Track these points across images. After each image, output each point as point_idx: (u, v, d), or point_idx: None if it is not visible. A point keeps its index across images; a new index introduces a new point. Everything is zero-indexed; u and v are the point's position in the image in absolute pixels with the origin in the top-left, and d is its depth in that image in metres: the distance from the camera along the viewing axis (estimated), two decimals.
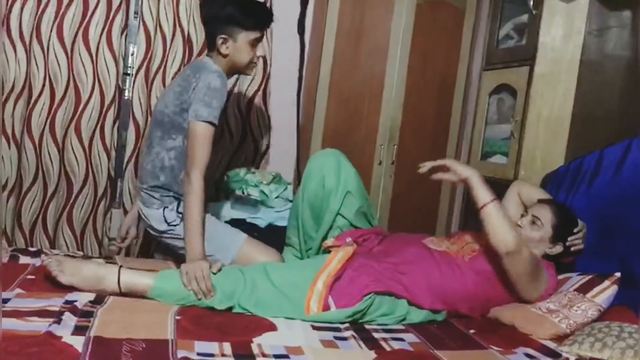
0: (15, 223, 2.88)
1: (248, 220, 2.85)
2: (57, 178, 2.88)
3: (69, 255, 2.20)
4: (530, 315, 1.95)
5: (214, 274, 1.85)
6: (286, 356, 1.50)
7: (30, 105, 2.83)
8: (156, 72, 2.96)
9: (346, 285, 1.89)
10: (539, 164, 2.68)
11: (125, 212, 2.89)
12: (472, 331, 1.91)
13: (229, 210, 2.89)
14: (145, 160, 2.21)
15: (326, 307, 1.84)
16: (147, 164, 2.20)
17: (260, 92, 3.16)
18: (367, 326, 1.86)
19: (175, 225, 2.15)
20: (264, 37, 2.34)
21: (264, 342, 1.57)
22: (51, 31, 2.81)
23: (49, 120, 2.85)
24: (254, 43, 2.22)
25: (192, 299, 1.80)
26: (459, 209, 3.43)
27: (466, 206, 3.15)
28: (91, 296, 1.74)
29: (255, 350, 1.51)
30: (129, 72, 3.02)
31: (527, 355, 1.72)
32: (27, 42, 2.77)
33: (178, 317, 1.68)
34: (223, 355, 1.45)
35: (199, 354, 1.44)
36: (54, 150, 2.86)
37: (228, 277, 1.84)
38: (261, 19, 2.24)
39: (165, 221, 2.15)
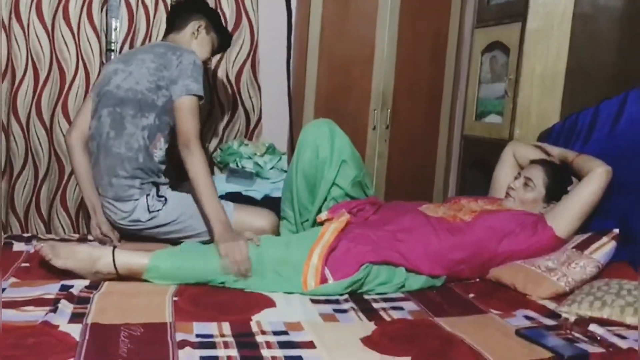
0: (8, 208, 2.86)
1: (244, 193, 2.83)
2: (48, 160, 2.85)
3: (63, 240, 2.20)
4: (530, 275, 1.95)
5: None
6: (285, 332, 1.49)
7: (15, 87, 2.77)
8: (142, 44, 2.88)
9: (342, 256, 1.88)
10: (534, 122, 2.65)
11: None
12: (471, 295, 1.91)
13: (223, 184, 2.86)
14: (115, 144, 2.10)
15: (323, 280, 1.83)
16: (118, 147, 2.09)
17: (249, 62, 3.09)
18: (366, 296, 1.85)
19: (158, 211, 2.12)
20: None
21: (263, 319, 1.56)
22: (30, 9, 2.73)
23: (34, 102, 2.79)
24: (215, 50, 2.42)
25: (189, 278, 1.79)
26: (455, 172, 3.41)
27: (462, 169, 3.13)
28: (87, 282, 1.72)
29: (254, 328, 1.50)
30: (112, 47, 2.96)
31: (527, 317, 1.72)
32: (7, 23, 2.70)
33: (175, 299, 1.67)
34: (222, 335, 1.45)
35: (198, 336, 1.43)
36: (42, 132, 2.81)
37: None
38: (227, 40, 2.49)
39: (148, 210, 2.11)
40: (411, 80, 3.36)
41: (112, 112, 2.12)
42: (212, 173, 3.07)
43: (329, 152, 2.10)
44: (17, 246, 2.04)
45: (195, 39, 2.29)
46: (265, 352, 1.36)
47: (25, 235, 2.23)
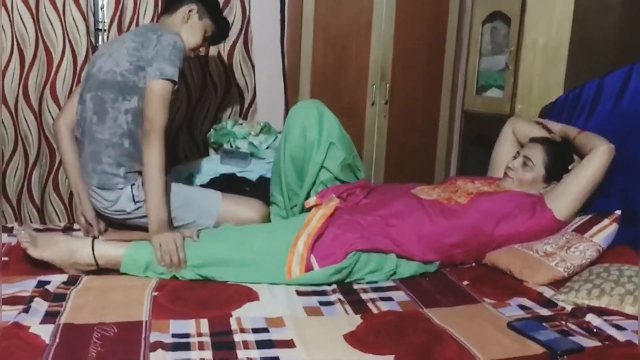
0: (0, 194, 2.81)
1: (238, 174, 2.76)
2: (38, 145, 2.79)
3: (48, 229, 2.15)
4: (527, 260, 1.87)
5: (195, 240, 1.78)
6: (265, 330, 1.43)
7: (1, 71, 2.70)
8: (129, 26, 2.80)
9: (329, 243, 1.81)
10: (536, 96, 2.55)
11: None
12: (465, 282, 1.84)
13: (218, 166, 2.79)
14: (98, 130, 2.02)
15: (309, 268, 1.77)
16: (101, 133, 2.01)
17: (241, 38, 2.99)
18: (355, 286, 1.79)
19: (143, 201, 2.05)
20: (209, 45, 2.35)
21: (243, 315, 1.51)
22: None
23: (21, 85, 2.73)
24: (207, 38, 2.22)
25: (164, 270, 1.73)
26: (457, 146, 3.31)
27: (463, 146, 3.03)
28: (65, 277, 1.67)
29: (233, 325, 1.45)
30: (100, 27, 2.87)
31: (521, 306, 1.65)
32: None
33: (155, 294, 1.61)
34: (199, 334, 1.39)
35: (173, 335, 1.38)
36: (31, 117, 2.75)
37: (205, 247, 1.76)
38: (224, 29, 2.33)
39: (133, 199, 2.04)
40: (411, 53, 3.25)
41: (94, 97, 2.04)
42: (207, 154, 3.01)
43: (316, 134, 2.02)
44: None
45: (185, 23, 2.14)
46: (241, 354, 1.30)
47: (9, 225, 2.17)
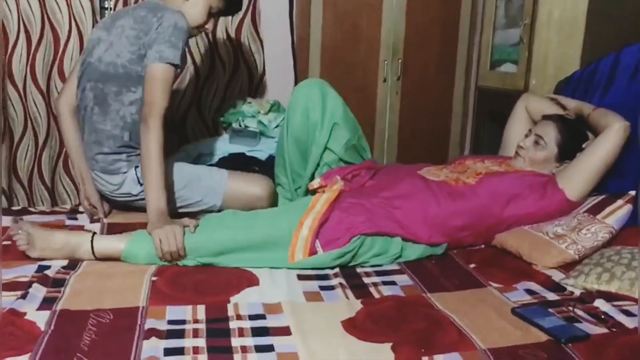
0: (12, 175, 2.83)
1: (247, 153, 2.73)
2: (47, 126, 2.78)
3: (54, 212, 2.15)
4: (537, 241, 1.82)
5: (192, 232, 1.74)
6: (262, 316, 1.41)
7: (9, 52, 2.69)
8: (135, 3, 2.76)
9: (333, 227, 1.77)
10: (552, 71, 2.46)
11: None
12: (472, 265, 1.80)
13: (227, 145, 2.77)
14: (100, 120, 1.98)
15: (313, 253, 1.74)
16: (103, 124, 1.98)
17: (249, 14, 2.94)
18: (359, 269, 1.75)
19: None
20: (218, 19, 2.22)
21: (241, 301, 1.48)
22: None
23: (29, 66, 2.72)
24: (213, 13, 2.08)
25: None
26: (472, 123, 3.22)
27: (477, 123, 2.96)
28: (65, 262, 1.66)
29: (230, 311, 1.42)
30: (106, 6, 2.84)
31: (528, 291, 1.61)
32: None
33: (154, 279, 1.59)
34: (195, 321, 1.37)
35: (169, 322, 1.36)
36: (39, 98, 2.74)
37: (207, 235, 1.73)
38: (234, 1, 2.17)
39: (139, 182, 2.01)
40: (424, 27, 3.18)
41: (94, 88, 1.99)
42: (216, 133, 2.98)
43: (320, 114, 1.97)
44: (3, 221, 1.98)
45: (187, 0, 2.02)
46: (235, 342, 1.28)
47: (14, 208, 2.18)
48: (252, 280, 1.62)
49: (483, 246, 1.97)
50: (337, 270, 1.73)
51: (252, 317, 1.40)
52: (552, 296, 1.57)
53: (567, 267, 1.74)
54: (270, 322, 1.39)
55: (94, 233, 1.71)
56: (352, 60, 3.14)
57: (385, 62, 3.16)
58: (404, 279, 1.69)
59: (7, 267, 1.60)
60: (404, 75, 3.19)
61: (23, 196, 2.86)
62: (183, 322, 1.37)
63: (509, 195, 1.92)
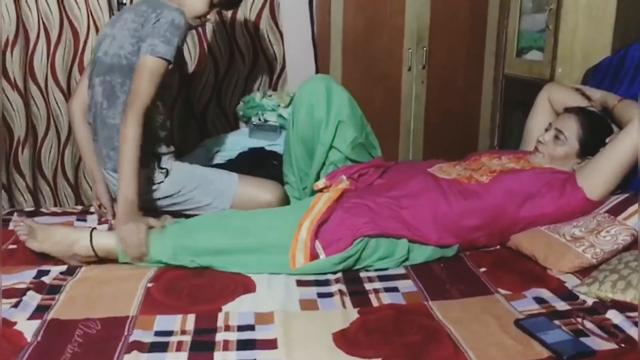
0: (37, 173, 2.87)
1: (267, 147, 2.70)
2: (68, 124, 2.81)
3: (65, 212, 2.17)
4: (552, 244, 1.72)
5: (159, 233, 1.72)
6: (251, 327, 1.37)
7: (30, 51, 2.72)
8: None
9: (335, 228, 1.71)
10: (579, 59, 2.32)
11: None
12: (482, 269, 1.71)
13: (246, 139, 2.75)
14: (110, 114, 1.99)
15: (314, 256, 1.68)
16: (113, 118, 1.98)
17: (267, 6, 2.88)
18: (362, 274, 1.69)
19: (160, 183, 2.01)
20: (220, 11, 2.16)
21: (233, 310, 1.45)
22: None
23: (49, 65, 2.74)
24: (215, 4, 2.04)
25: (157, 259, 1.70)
26: (499, 113, 3.08)
27: (504, 113, 2.82)
28: (64, 267, 1.67)
29: (220, 322, 1.39)
30: (124, 1, 2.83)
31: (537, 299, 1.51)
32: None
33: (150, 285, 1.58)
34: (183, 332, 1.35)
35: (156, 333, 1.34)
36: (60, 96, 2.77)
37: (204, 235, 1.70)
38: None
39: (150, 182, 2.00)
40: (450, 13, 3.05)
41: (103, 81, 2.00)
42: (237, 127, 2.96)
43: (324, 112, 1.91)
44: (16, 223, 2.00)
45: None
46: (217, 356, 1.25)
47: (27, 209, 2.21)
48: (249, 287, 1.59)
49: (498, 247, 1.88)
50: (339, 275, 1.67)
51: (240, 328, 1.37)
52: (561, 305, 1.47)
53: (584, 272, 1.64)
54: (259, 333, 1.35)
55: (94, 228, 1.71)
56: (375, 49, 3.06)
57: (410, 50, 3.06)
58: (407, 285, 1.62)
59: (8, 273, 1.61)
60: (429, 64, 3.08)
61: (49, 193, 2.91)
62: (170, 333, 1.34)
63: (525, 194, 1.81)
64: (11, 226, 1.94)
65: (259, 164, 2.59)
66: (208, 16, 2.05)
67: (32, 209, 2.21)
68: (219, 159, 2.67)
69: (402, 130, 3.16)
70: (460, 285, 1.61)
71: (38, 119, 2.81)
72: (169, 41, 1.84)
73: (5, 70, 2.70)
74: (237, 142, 2.73)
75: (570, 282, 1.61)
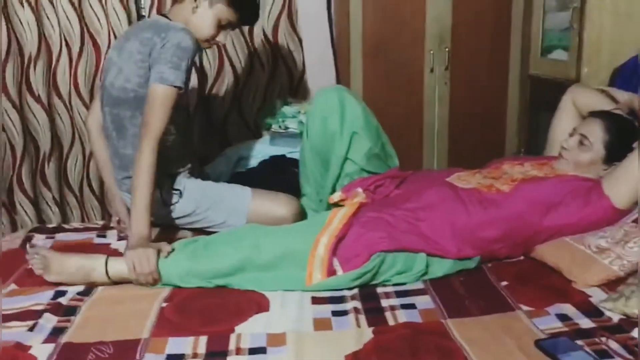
0: (64, 186, 2.91)
1: (288, 155, 2.67)
2: None
3: (87, 229, 2.18)
4: (577, 256, 1.65)
5: (165, 257, 1.70)
6: (263, 350, 1.35)
7: (53, 66, 2.76)
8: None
9: (352, 244, 1.68)
10: (606, 58, 2.24)
11: None
12: (504, 283, 1.66)
13: (267, 147, 2.73)
14: (120, 145, 1.98)
15: (331, 273, 1.66)
16: (124, 148, 1.97)
17: (285, 12, 2.86)
18: (379, 289, 1.65)
19: (174, 204, 2.00)
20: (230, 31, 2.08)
21: (246, 331, 1.43)
22: None
23: (72, 79, 2.77)
24: (224, 26, 1.98)
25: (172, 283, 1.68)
26: (525, 115, 3.00)
27: (530, 115, 2.74)
28: (81, 287, 1.67)
29: (232, 344, 1.37)
30: (143, 13, 2.84)
31: (560, 316, 1.46)
32: (33, 2, 2.65)
33: (164, 305, 1.57)
34: (195, 355, 1.33)
35: (168, 357, 1.33)
36: (83, 109, 2.78)
37: (218, 256, 1.68)
38: (249, 12, 2.03)
39: (164, 204, 2.00)
40: (472, 12, 2.98)
41: (111, 113, 1.98)
42: (259, 135, 2.94)
43: (338, 123, 1.88)
44: (37, 241, 2.01)
45: (194, 13, 1.93)
46: None
47: (49, 226, 2.23)
48: (262, 305, 1.57)
49: (522, 257, 1.82)
50: (355, 291, 1.64)
51: (252, 351, 1.35)
52: (586, 323, 1.41)
53: (611, 284, 1.57)
54: (270, 356, 1.33)
55: (108, 256, 1.71)
56: (396, 51, 3.01)
57: (432, 51, 3.00)
58: (424, 301, 1.58)
59: (25, 294, 1.63)
60: (452, 65, 3.02)
61: (75, 205, 2.95)
62: (182, 357, 1.33)
63: (549, 203, 1.75)
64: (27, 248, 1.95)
65: (280, 172, 2.57)
66: (217, 38, 1.99)
67: (55, 225, 2.23)
68: (240, 167, 2.67)
69: (425, 134, 3.11)
70: (480, 301, 1.56)
71: (63, 133, 2.85)
72: (177, 66, 1.80)
73: (30, 85, 2.74)
74: (258, 150, 2.71)
75: (596, 296, 1.54)
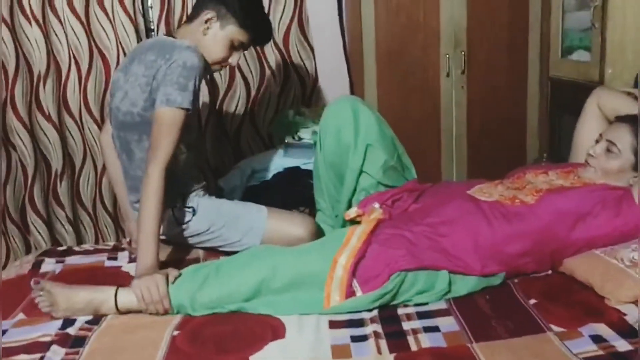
0: (77, 204, 2.87)
1: (302, 167, 2.61)
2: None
3: (97, 250, 2.13)
4: (609, 270, 1.56)
5: (172, 283, 1.63)
6: None
7: (63, 83, 2.72)
8: (178, 24, 2.69)
9: (371, 263, 1.60)
10: (630, 59, 2.14)
11: None
12: (532, 301, 1.57)
13: (281, 159, 2.66)
14: (131, 167, 1.94)
15: (350, 294, 1.58)
16: (134, 170, 1.93)
17: (295, 19, 2.79)
18: (400, 311, 1.58)
19: (187, 223, 1.95)
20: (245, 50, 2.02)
21: None
22: (62, 3, 2.63)
23: (82, 96, 2.73)
24: (236, 47, 1.93)
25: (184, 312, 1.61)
26: (546, 118, 2.91)
27: (551, 118, 2.64)
28: (90, 316, 1.61)
29: None
30: (152, 27, 2.80)
31: (595, 337, 1.37)
32: (40, 20, 2.62)
33: (176, 333, 1.50)
34: None
35: None
36: (94, 127, 2.75)
37: (231, 280, 1.62)
38: (262, 33, 1.98)
39: (177, 222, 1.94)
40: (488, 14, 2.92)
41: (119, 136, 1.94)
42: (272, 146, 2.88)
43: (352, 136, 1.81)
44: (47, 265, 1.97)
45: (204, 35, 1.88)
46: None
47: (59, 249, 2.18)
48: (278, 332, 1.49)
49: (550, 272, 1.73)
50: (374, 313, 1.56)
51: None
52: (622, 345, 1.33)
53: None
54: None
55: (118, 287, 1.64)
56: (410, 56, 2.94)
57: (447, 55, 2.92)
58: (448, 323, 1.50)
59: (32, 324, 1.57)
60: (468, 68, 2.94)
61: (89, 222, 2.91)
62: None
63: (577, 215, 1.66)
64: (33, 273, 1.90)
65: (295, 185, 2.51)
66: (229, 60, 1.94)
67: (65, 247, 2.18)
68: (254, 180, 2.60)
69: (443, 140, 3.03)
70: (508, 322, 1.48)
71: (74, 151, 2.81)
72: (184, 87, 1.74)
73: (40, 103, 2.71)
74: (271, 162, 2.64)
75: (632, 314, 1.45)
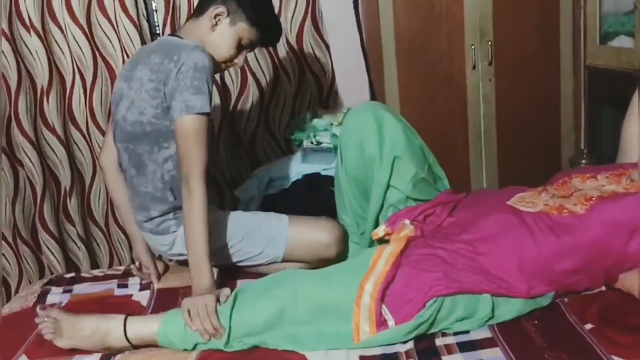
0: (88, 219, 2.75)
1: (322, 172, 2.46)
2: None
3: (106, 276, 2.00)
4: None
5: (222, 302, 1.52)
6: None
7: (67, 96, 2.59)
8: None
9: (402, 288, 1.44)
10: None
11: None
12: (588, 326, 1.40)
13: (299, 165, 2.51)
14: (141, 182, 1.80)
15: (380, 323, 1.42)
16: (144, 186, 1.79)
17: (309, 17, 2.63)
18: (438, 342, 1.41)
19: None
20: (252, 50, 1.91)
21: None
22: (62, 9, 2.49)
23: (87, 108, 2.61)
24: (244, 46, 1.82)
25: (202, 342, 1.47)
26: (584, 111, 2.70)
27: (590, 110, 2.44)
28: (97, 357, 1.47)
29: None
30: (157, 31, 2.66)
31: None
32: (41, 28, 2.48)
33: None
34: None
35: None
36: (101, 138, 2.60)
37: (248, 309, 1.47)
38: (272, 33, 1.88)
39: None
40: (515, 1, 2.70)
41: (127, 149, 1.80)
42: (289, 151, 2.73)
43: (376, 147, 1.64)
44: (53, 296, 1.84)
45: (212, 31, 1.78)
46: None
47: (67, 275, 2.05)
48: None
49: (604, 288, 1.55)
50: (410, 345, 1.40)
51: None
52: None
53: None
54: None
55: (127, 316, 1.51)
56: (433, 49, 2.76)
57: (473, 46, 2.74)
58: (495, 356, 1.34)
59: None
60: (496, 59, 2.75)
61: (102, 239, 2.79)
62: None
63: (632, 225, 1.48)
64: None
65: (315, 192, 2.37)
66: (236, 60, 1.82)
67: (72, 275, 2.06)
68: (272, 189, 2.46)
69: (471, 136, 2.85)
70: (563, 354, 1.31)
71: (83, 165, 2.69)
72: (200, 90, 1.62)
73: (44, 117, 2.58)
74: (289, 169, 2.50)
75: None
